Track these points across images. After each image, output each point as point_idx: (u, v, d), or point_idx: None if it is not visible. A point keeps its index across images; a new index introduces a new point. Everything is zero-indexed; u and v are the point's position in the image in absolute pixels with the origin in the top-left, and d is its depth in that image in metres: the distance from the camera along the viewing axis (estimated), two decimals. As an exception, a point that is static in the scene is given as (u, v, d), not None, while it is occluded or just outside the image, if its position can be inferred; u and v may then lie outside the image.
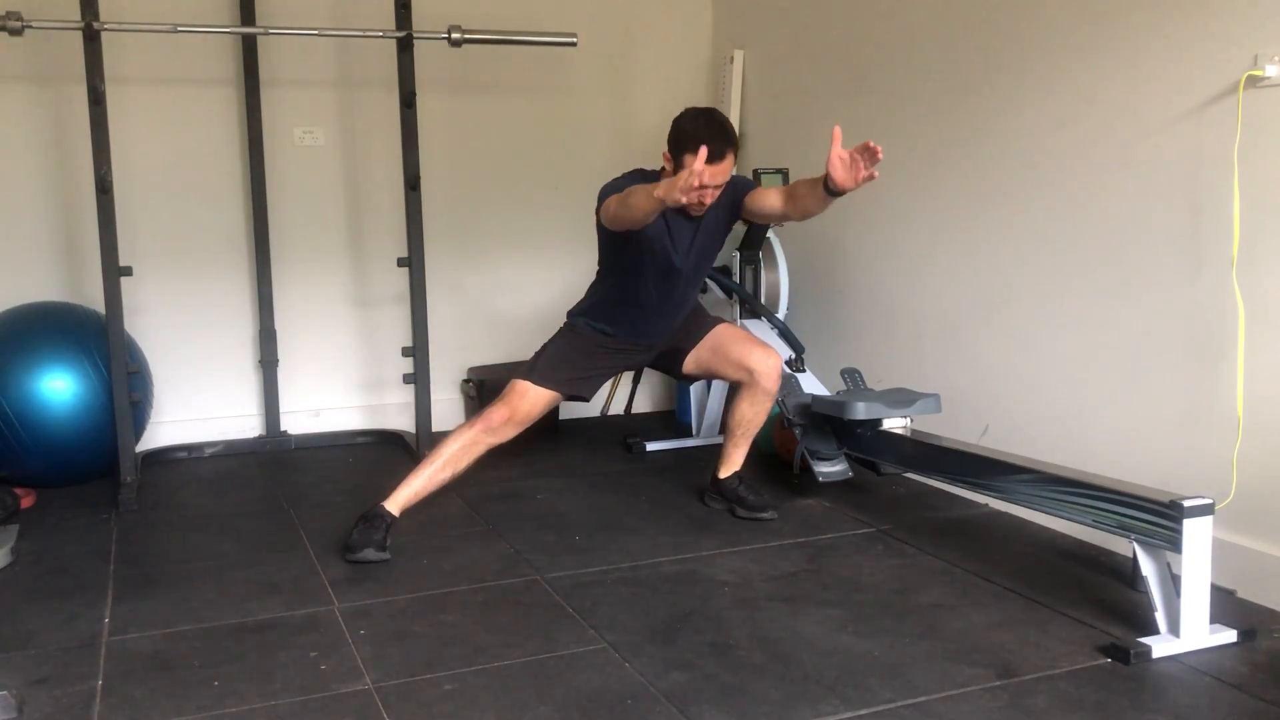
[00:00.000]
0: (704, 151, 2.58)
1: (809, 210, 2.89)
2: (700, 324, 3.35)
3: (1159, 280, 2.77)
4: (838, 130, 2.65)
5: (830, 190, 2.72)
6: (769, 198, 3.03)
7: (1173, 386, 2.76)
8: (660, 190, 2.61)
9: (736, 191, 3.09)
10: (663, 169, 3.03)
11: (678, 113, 4.40)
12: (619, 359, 3.34)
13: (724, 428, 3.43)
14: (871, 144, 2.59)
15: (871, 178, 2.66)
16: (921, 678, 2.19)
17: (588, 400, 3.36)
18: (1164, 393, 2.78)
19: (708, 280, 3.95)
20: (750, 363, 3.22)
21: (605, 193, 3.00)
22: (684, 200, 2.58)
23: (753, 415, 3.29)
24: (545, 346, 3.28)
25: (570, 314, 3.33)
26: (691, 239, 3.11)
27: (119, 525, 3.27)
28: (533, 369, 3.18)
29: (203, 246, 4.16)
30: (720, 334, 3.31)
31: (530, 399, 3.13)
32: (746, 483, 3.31)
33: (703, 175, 2.55)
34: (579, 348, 3.25)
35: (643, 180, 2.98)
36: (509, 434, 3.12)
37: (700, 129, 2.90)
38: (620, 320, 3.23)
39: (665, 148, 2.98)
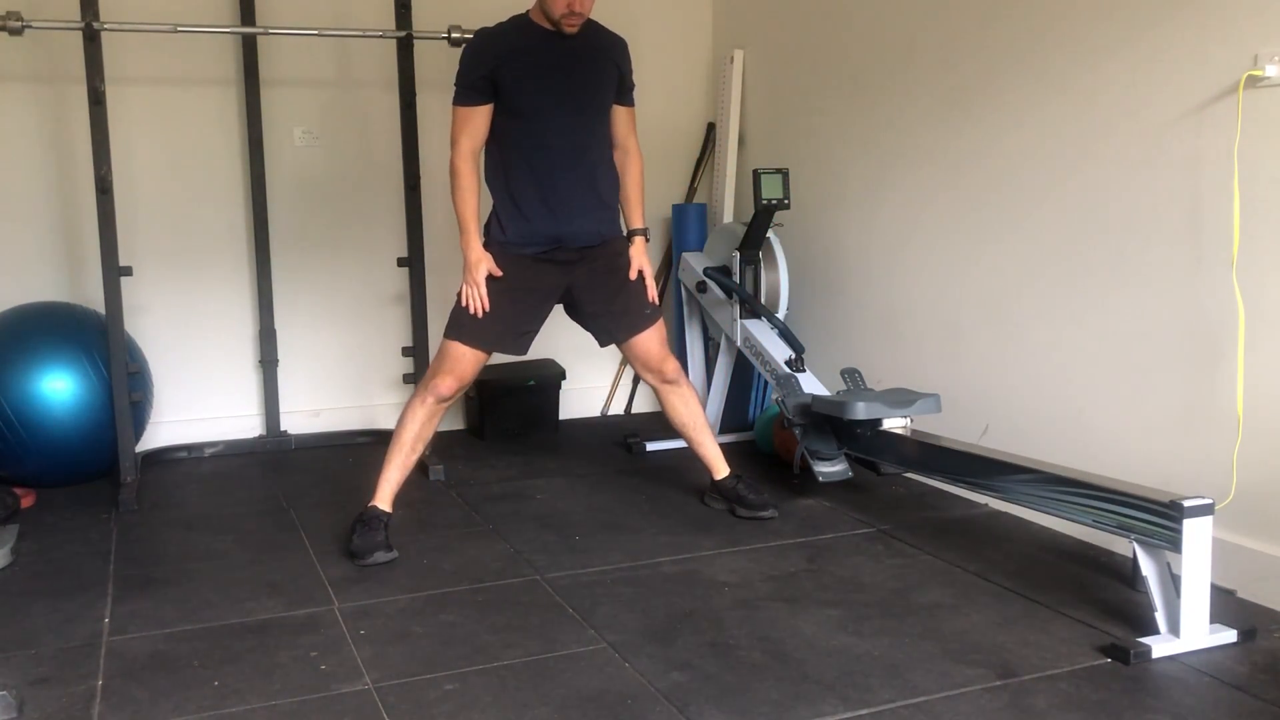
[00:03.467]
0: (496, 271, 3.04)
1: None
2: (636, 318, 3.22)
3: (1159, 280, 2.77)
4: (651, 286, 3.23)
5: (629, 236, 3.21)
6: (619, 132, 3.19)
7: (1173, 386, 2.76)
8: (463, 248, 3.03)
9: (624, 75, 3.15)
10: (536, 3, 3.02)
11: (676, 112, 4.42)
12: (543, 285, 3.15)
13: (683, 436, 3.39)
14: (652, 291, 3.23)
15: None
16: (921, 678, 2.19)
17: (523, 355, 3.26)
18: (1164, 393, 2.78)
19: (708, 280, 3.95)
20: (652, 380, 3.31)
21: (456, 87, 3.01)
22: (464, 301, 3.03)
23: (689, 414, 3.33)
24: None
25: (485, 225, 3.19)
26: (567, 63, 3.03)
27: (119, 525, 3.27)
28: (460, 328, 3.06)
29: (203, 246, 4.16)
30: (645, 340, 3.23)
31: (468, 360, 3.06)
32: (745, 482, 3.31)
33: (482, 295, 3.01)
34: (500, 288, 3.07)
35: (487, 55, 2.98)
36: (459, 394, 3.11)
37: None
38: (529, 206, 3.06)
39: None
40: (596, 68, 3.10)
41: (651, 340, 3.25)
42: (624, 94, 3.18)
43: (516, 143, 3.06)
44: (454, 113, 3.03)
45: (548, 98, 3.03)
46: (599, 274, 3.19)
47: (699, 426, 3.35)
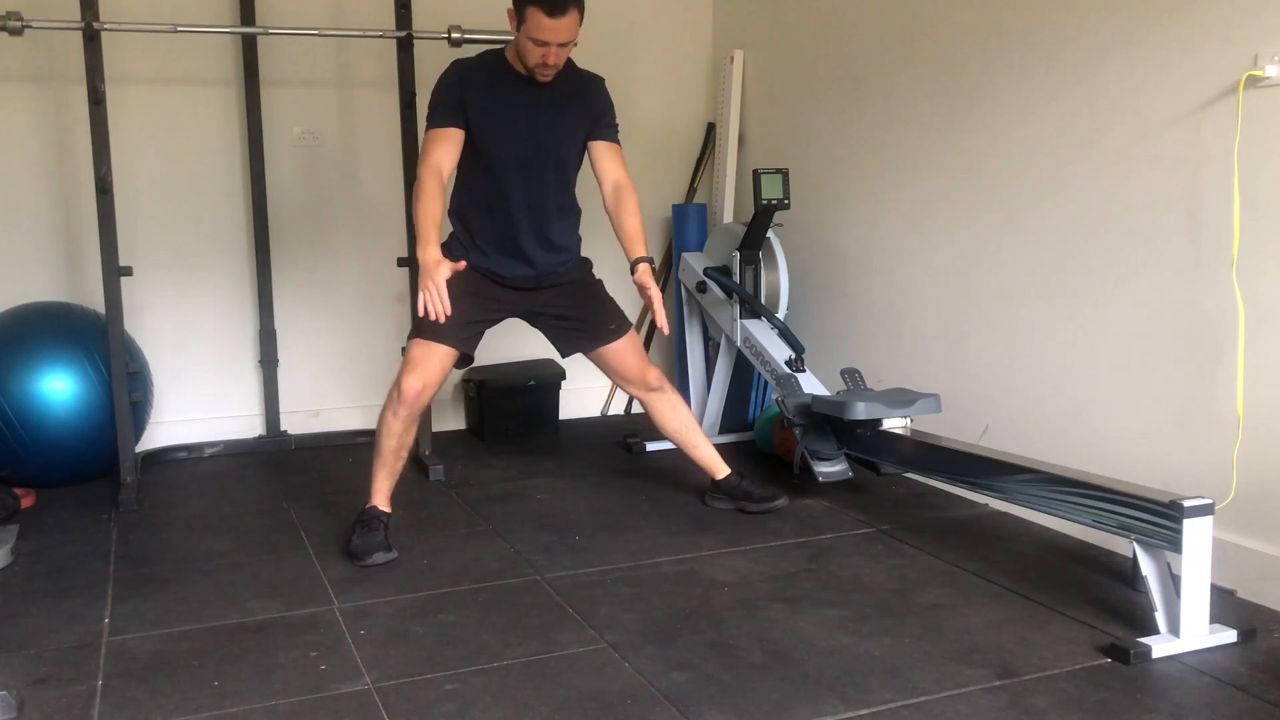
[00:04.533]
0: (461, 265, 2.88)
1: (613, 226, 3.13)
2: (599, 332, 3.22)
3: (1159, 280, 2.77)
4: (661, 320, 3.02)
5: (631, 270, 3.04)
6: (606, 168, 3.10)
7: (1173, 386, 2.76)
8: (420, 256, 2.86)
9: (601, 115, 3.09)
10: (512, 41, 2.99)
11: (676, 112, 4.36)
12: (498, 294, 3.14)
13: (677, 442, 3.39)
14: (660, 320, 3.01)
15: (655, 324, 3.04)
16: (921, 678, 2.19)
17: (471, 358, 3.18)
18: (1164, 393, 2.78)
19: (708, 280, 3.95)
20: (635, 392, 3.30)
21: (429, 113, 2.99)
22: (420, 308, 2.84)
23: (678, 420, 3.33)
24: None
25: (446, 241, 3.16)
26: (536, 111, 3.01)
27: (119, 525, 3.27)
28: (420, 328, 3.02)
29: (203, 246, 4.16)
30: (618, 353, 3.23)
31: (434, 358, 3.00)
32: (749, 478, 3.31)
33: (442, 297, 2.81)
34: (459, 291, 3.01)
35: (458, 87, 2.96)
36: (429, 396, 3.02)
37: None
38: (479, 235, 3.09)
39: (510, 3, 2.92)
40: (566, 119, 3.07)
41: (625, 352, 3.24)
42: (605, 130, 3.11)
43: (477, 184, 3.06)
44: (425, 136, 2.99)
45: (510, 150, 3.01)
46: (557, 294, 3.21)
47: (691, 430, 3.35)
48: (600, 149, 3.11)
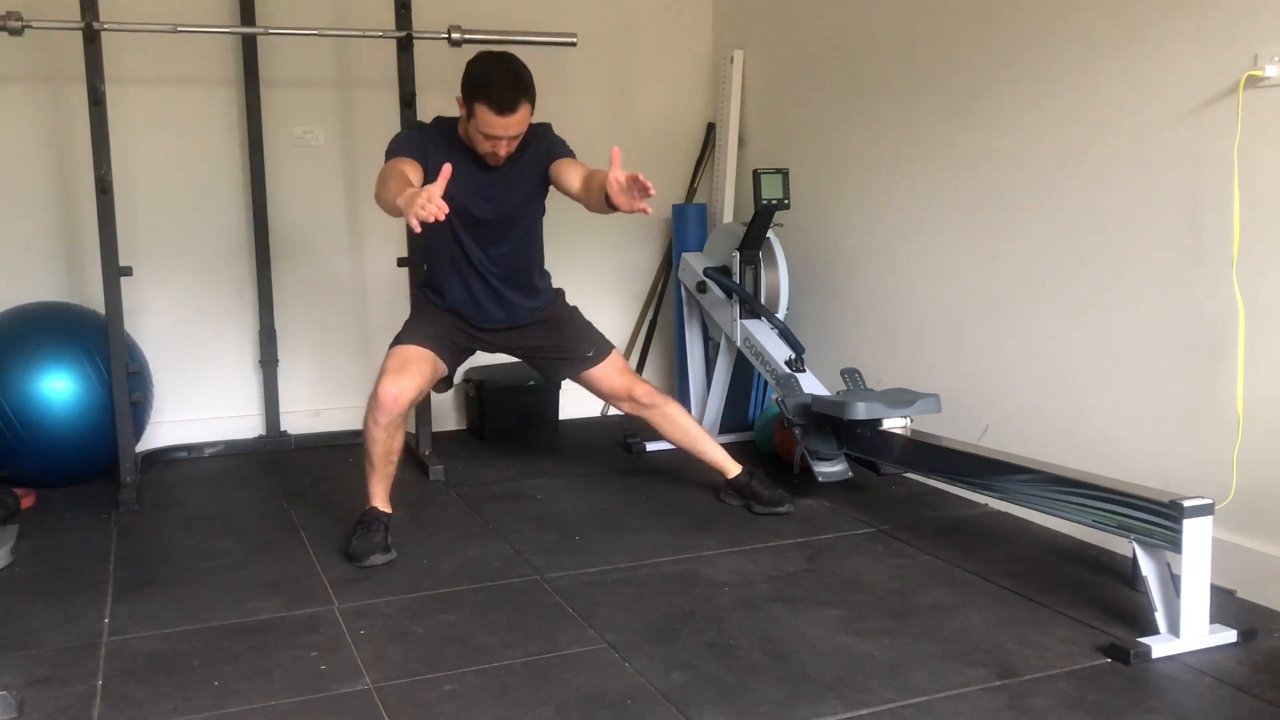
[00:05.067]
0: (446, 170, 2.56)
1: (596, 209, 2.85)
2: (582, 351, 3.27)
3: (1159, 280, 2.77)
4: (616, 151, 2.61)
5: (610, 204, 2.68)
6: (570, 176, 2.98)
7: (1173, 386, 2.76)
8: (401, 200, 2.53)
9: (550, 150, 3.08)
10: (460, 116, 2.99)
11: (676, 112, 4.33)
12: (479, 340, 3.27)
13: (684, 449, 3.42)
14: (642, 178, 2.57)
15: (644, 211, 2.64)
16: (921, 678, 2.19)
17: (451, 381, 3.27)
18: (1164, 393, 2.78)
19: (708, 280, 3.95)
20: (629, 409, 3.32)
21: (388, 151, 2.99)
22: (414, 224, 2.44)
23: (679, 430, 3.35)
24: (406, 322, 3.29)
25: (418, 284, 3.32)
26: (490, 189, 3.03)
27: (119, 525, 3.27)
28: (400, 335, 3.12)
29: (203, 246, 4.16)
30: (599, 378, 3.29)
31: (412, 363, 3.01)
32: (759, 478, 3.32)
33: (435, 201, 2.43)
34: (433, 319, 3.19)
35: (421, 137, 3.00)
36: (406, 401, 2.98)
37: (491, 76, 2.83)
38: (449, 290, 3.17)
39: (459, 92, 2.91)
40: (521, 184, 3.08)
41: (606, 376, 3.28)
42: (557, 153, 3.05)
43: (440, 241, 3.09)
44: (382, 169, 2.87)
45: (467, 222, 3.05)
46: (533, 330, 3.28)
47: (696, 437, 3.37)
48: (558, 168, 3.02)
